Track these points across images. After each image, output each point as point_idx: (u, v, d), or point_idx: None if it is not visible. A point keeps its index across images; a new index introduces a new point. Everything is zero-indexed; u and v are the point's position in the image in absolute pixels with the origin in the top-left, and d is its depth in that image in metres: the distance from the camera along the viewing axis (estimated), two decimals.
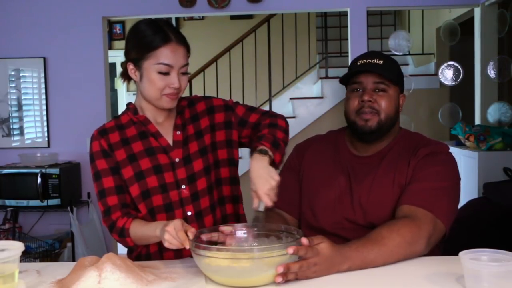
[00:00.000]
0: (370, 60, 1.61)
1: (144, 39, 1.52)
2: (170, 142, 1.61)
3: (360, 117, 1.61)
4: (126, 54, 1.59)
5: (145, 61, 1.51)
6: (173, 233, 1.32)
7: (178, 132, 1.62)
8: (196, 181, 1.60)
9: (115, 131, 1.61)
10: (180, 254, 1.56)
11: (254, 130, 1.66)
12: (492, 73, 3.92)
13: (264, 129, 1.61)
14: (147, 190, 1.56)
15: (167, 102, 1.55)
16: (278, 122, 1.65)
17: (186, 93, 1.74)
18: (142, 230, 1.50)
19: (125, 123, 1.63)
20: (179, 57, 1.52)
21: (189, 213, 1.59)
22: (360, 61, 1.63)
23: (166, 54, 1.50)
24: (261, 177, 1.43)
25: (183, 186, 1.58)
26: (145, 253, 1.62)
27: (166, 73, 1.51)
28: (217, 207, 1.65)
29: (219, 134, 1.67)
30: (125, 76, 1.64)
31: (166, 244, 1.35)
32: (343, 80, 1.68)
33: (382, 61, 1.61)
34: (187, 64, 1.56)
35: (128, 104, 1.66)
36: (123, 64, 1.61)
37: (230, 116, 1.69)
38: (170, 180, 1.58)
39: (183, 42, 1.55)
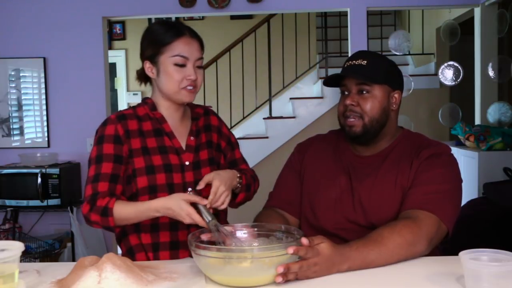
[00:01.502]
0: (354, 62, 1.61)
1: (158, 36, 1.58)
2: (183, 145, 1.64)
3: (346, 122, 1.62)
4: (141, 55, 1.65)
5: (161, 56, 1.57)
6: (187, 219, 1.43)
7: (192, 138, 1.67)
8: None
9: (134, 119, 1.63)
10: (176, 254, 1.59)
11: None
12: (492, 73, 3.92)
13: (248, 173, 1.72)
14: (155, 185, 1.57)
15: (185, 95, 1.60)
16: (257, 180, 1.76)
17: None
18: (133, 207, 1.51)
19: (142, 116, 1.65)
20: (193, 50, 1.58)
21: None
22: (347, 62, 1.63)
23: (181, 47, 1.56)
24: (228, 179, 1.54)
25: (189, 189, 1.60)
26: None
27: (183, 65, 1.57)
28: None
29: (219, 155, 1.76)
30: (142, 78, 1.68)
31: (187, 221, 1.44)
32: (330, 84, 1.67)
33: (366, 61, 1.59)
34: (201, 58, 1.61)
35: (146, 99, 1.69)
36: (139, 70, 1.68)
37: (227, 150, 1.76)
38: (178, 181, 1.60)
39: (196, 36, 1.61)
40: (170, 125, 1.65)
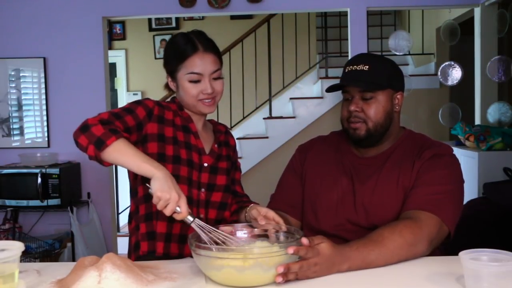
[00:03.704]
0: (356, 67, 1.59)
1: (175, 52, 1.64)
2: (206, 148, 1.70)
3: (349, 126, 1.62)
4: (164, 68, 1.70)
5: (178, 73, 1.64)
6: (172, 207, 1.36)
7: (216, 146, 1.72)
8: (214, 191, 1.66)
9: (170, 111, 1.67)
10: (182, 251, 1.60)
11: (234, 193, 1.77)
12: (492, 73, 3.92)
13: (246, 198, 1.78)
14: (178, 175, 1.58)
15: (204, 107, 1.65)
16: None
17: None
18: (137, 152, 1.45)
19: (173, 111, 1.69)
20: (207, 64, 1.62)
21: (201, 215, 1.64)
22: (348, 67, 1.61)
23: (194, 63, 1.61)
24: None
25: (202, 190, 1.64)
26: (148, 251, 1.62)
27: (197, 81, 1.61)
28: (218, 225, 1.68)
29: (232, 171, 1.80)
30: (167, 85, 1.74)
31: (159, 203, 1.36)
32: (332, 89, 1.65)
33: (367, 66, 1.57)
34: (218, 70, 1.65)
35: (174, 98, 1.74)
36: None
37: (232, 169, 1.80)
38: (194, 178, 1.63)
39: (211, 49, 1.65)
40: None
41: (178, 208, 1.37)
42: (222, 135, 1.79)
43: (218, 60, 1.67)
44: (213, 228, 1.38)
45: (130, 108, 1.59)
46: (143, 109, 1.60)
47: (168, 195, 1.35)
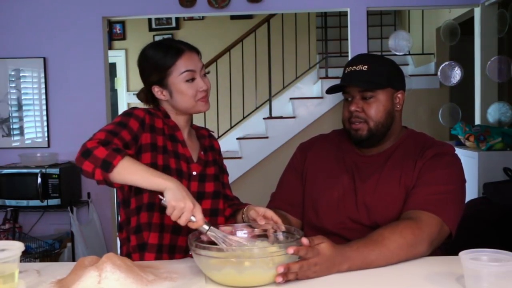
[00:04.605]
0: (355, 67, 1.59)
1: (159, 60, 1.61)
2: (193, 156, 1.69)
3: (351, 127, 1.62)
4: (145, 81, 1.68)
5: (169, 78, 1.61)
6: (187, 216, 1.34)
7: (202, 153, 1.71)
8: (203, 199, 1.65)
9: (159, 119, 1.65)
10: (173, 256, 1.59)
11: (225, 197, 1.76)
12: (492, 73, 3.92)
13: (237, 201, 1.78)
14: None
15: (202, 106, 1.65)
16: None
17: None
18: (145, 167, 1.43)
19: (161, 119, 1.67)
20: (196, 61, 1.64)
21: None
22: (348, 68, 1.62)
23: (184, 63, 1.61)
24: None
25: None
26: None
27: (192, 79, 1.61)
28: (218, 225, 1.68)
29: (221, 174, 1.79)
30: (147, 100, 1.72)
31: (173, 213, 1.34)
32: (332, 91, 1.65)
33: (366, 66, 1.58)
34: (204, 66, 1.67)
35: (158, 106, 1.71)
36: (142, 93, 1.71)
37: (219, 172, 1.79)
38: None
39: (193, 48, 1.66)
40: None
41: (193, 218, 1.35)
42: (206, 140, 1.79)
43: (201, 57, 1.69)
44: (229, 237, 1.38)
45: (122, 121, 1.55)
46: (135, 121, 1.57)
47: (182, 204, 1.34)
